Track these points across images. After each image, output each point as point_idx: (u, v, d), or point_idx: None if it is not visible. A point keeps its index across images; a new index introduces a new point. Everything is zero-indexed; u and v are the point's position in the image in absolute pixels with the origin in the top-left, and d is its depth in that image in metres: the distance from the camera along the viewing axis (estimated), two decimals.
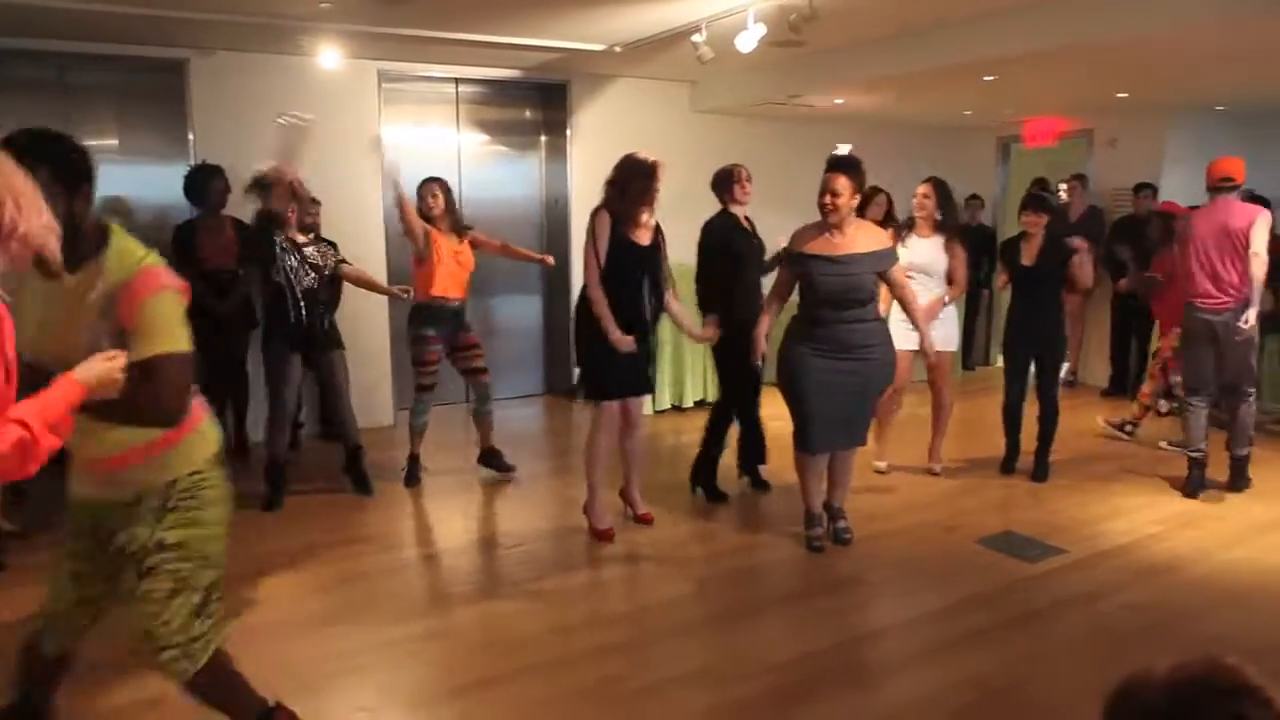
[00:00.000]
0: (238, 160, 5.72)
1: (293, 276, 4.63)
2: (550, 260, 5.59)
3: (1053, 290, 5.09)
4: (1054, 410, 5.18)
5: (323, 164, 6.13)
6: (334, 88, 6.18)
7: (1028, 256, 5.06)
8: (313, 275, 4.70)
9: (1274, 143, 7.78)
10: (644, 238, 4.18)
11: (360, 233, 6.32)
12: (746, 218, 4.82)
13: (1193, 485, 4.94)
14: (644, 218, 4.14)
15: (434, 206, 5.02)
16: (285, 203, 4.49)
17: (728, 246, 4.67)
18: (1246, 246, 4.66)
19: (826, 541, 4.22)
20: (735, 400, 4.83)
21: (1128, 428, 6.13)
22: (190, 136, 5.82)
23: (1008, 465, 5.32)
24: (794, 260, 4.05)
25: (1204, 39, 4.70)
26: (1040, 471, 5.21)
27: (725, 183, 4.78)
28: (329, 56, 5.66)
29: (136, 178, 5.88)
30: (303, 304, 4.66)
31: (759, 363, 4.24)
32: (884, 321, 4.18)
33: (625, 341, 4.08)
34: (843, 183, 3.89)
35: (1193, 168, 7.54)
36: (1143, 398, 6.12)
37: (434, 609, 3.66)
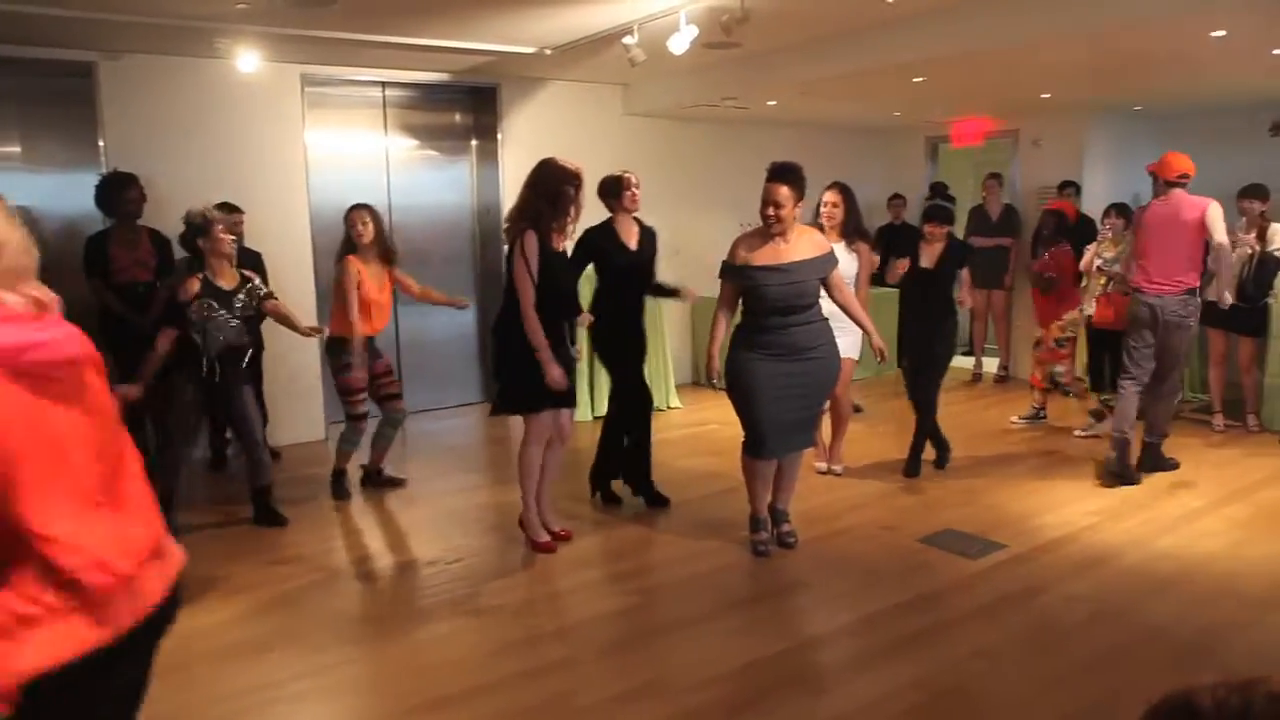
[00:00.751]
0: (154, 168, 5.51)
1: (212, 337, 4.32)
2: (466, 303, 5.55)
3: (946, 295, 5.26)
4: (930, 409, 5.31)
5: (245, 171, 5.94)
6: (255, 92, 5.97)
7: (928, 259, 5.18)
8: (236, 325, 4.38)
9: (1185, 142, 8.02)
10: (563, 246, 4.12)
11: (285, 241, 6.12)
12: (645, 227, 4.71)
13: (1114, 467, 5.03)
14: (570, 227, 4.08)
15: (363, 234, 4.84)
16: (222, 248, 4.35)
17: (597, 259, 4.62)
18: (1198, 236, 4.89)
19: (771, 545, 4.20)
20: (616, 416, 4.81)
21: (1041, 414, 6.44)
22: (101, 143, 5.55)
23: (912, 467, 5.33)
24: (737, 273, 3.99)
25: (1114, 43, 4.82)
26: (911, 468, 5.28)
27: (614, 189, 4.61)
28: (247, 60, 5.47)
29: (43, 187, 5.60)
30: (218, 364, 4.36)
31: (714, 381, 4.11)
32: (828, 321, 4.18)
33: (560, 379, 4.01)
34: (784, 193, 3.85)
35: (1111, 166, 7.83)
36: (1035, 383, 6.42)
37: (370, 631, 3.53)
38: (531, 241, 3.95)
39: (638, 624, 3.54)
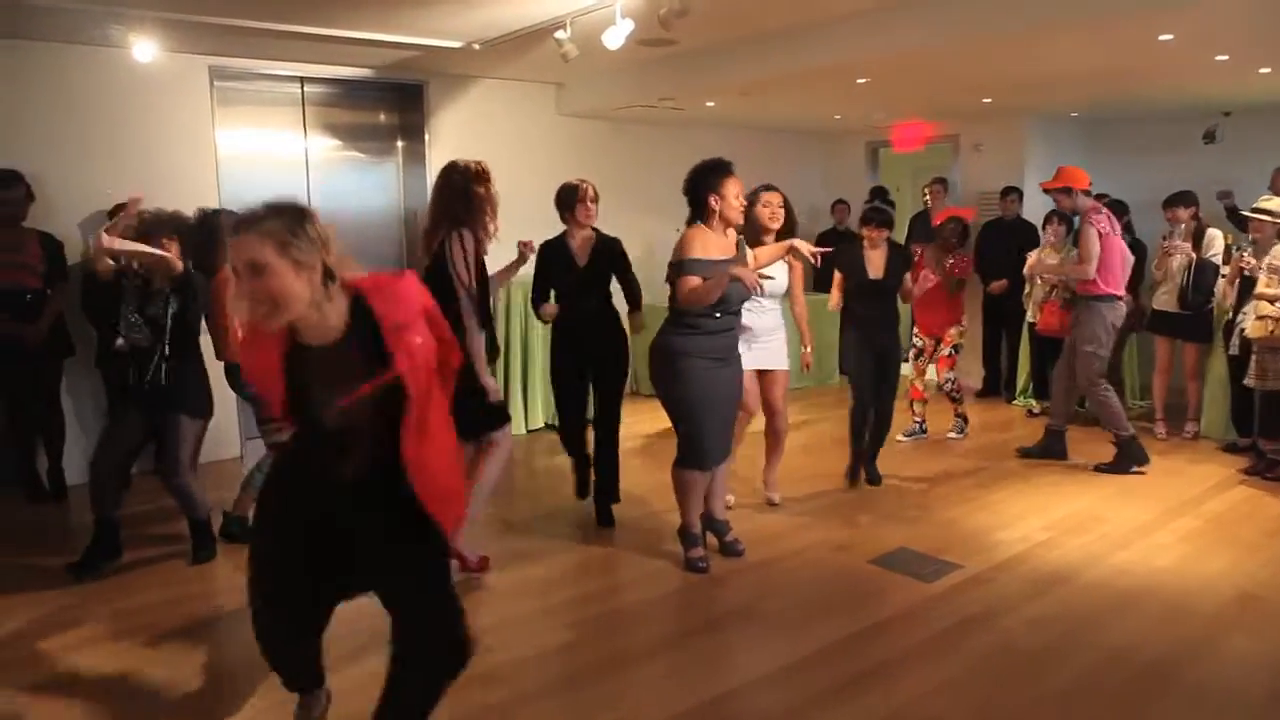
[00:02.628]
0: (45, 166, 5.05)
1: (131, 334, 3.90)
2: None
3: (895, 301, 5.17)
4: (890, 418, 5.23)
5: (148, 170, 5.51)
6: (158, 85, 5.53)
7: (875, 269, 5.01)
8: (146, 332, 3.92)
9: (1115, 147, 8.09)
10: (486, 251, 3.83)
11: None
12: (604, 239, 4.50)
13: (1128, 458, 5.33)
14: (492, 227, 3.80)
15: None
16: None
17: (547, 274, 4.49)
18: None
19: (709, 560, 3.97)
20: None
21: (924, 428, 6.23)
22: None
23: (854, 473, 5.22)
24: (705, 266, 3.66)
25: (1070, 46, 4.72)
26: (873, 475, 5.22)
27: (567, 200, 4.43)
28: (144, 49, 5.01)
29: None
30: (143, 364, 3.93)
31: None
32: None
33: (496, 391, 3.82)
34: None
35: (1048, 172, 7.78)
36: (916, 395, 6.19)
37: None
38: (468, 240, 3.63)
39: (568, 666, 3.22)
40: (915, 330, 6.18)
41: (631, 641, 3.42)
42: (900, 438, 6.12)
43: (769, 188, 4.70)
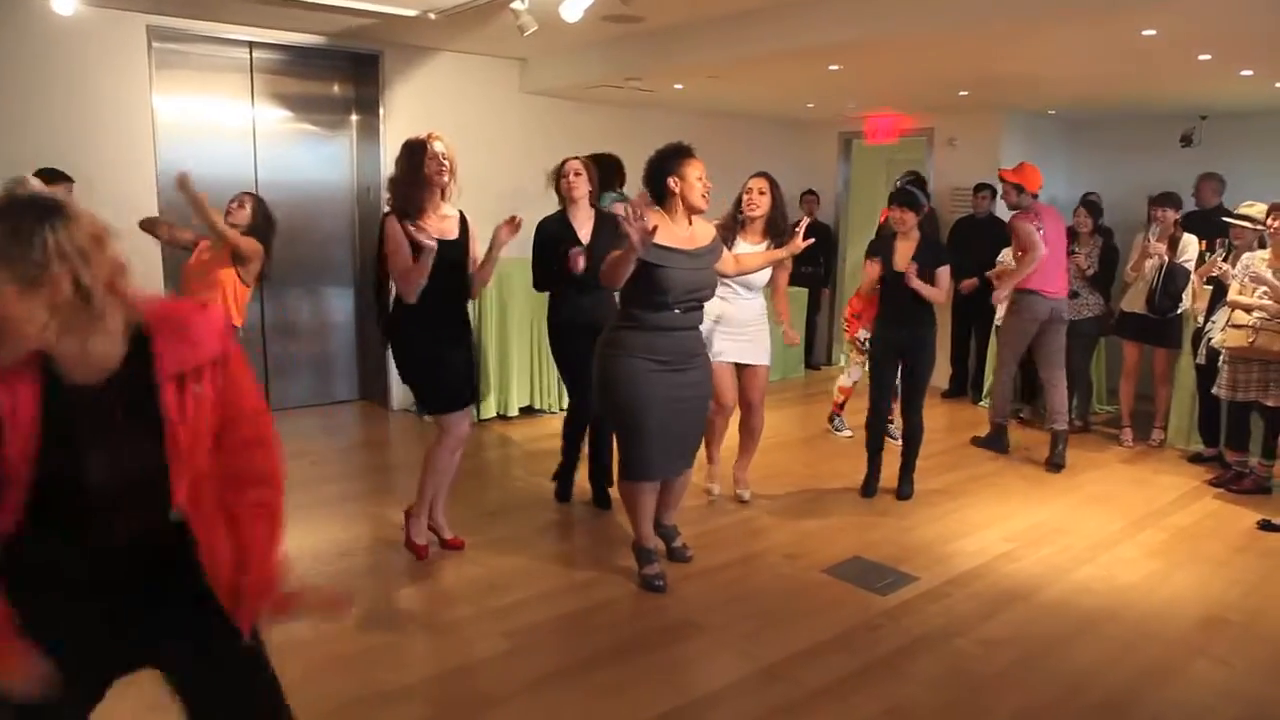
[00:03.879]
0: None
1: None
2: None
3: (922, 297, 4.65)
4: (921, 425, 4.85)
5: (75, 135, 5.18)
6: (88, 43, 5.20)
7: (901, 261, 4.60)
8: None
9: (1095, 145, 7.96)
10: (449, 231, 3.59)
11: (129, 218, 5.36)
12: (604, 214, 4.34)
13: (994, 441, 5.82)
14: (442, 207, 3.60)
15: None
16: None
17: (550, 251, 4.28)
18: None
19: (663, 575, 3.73)
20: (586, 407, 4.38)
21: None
22: None
23: (869, 488, 4.89)
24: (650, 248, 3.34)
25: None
26: (907, 488, 4.87)
27: (554, 180, 4.38)
28: (62, 1, 4.67)
29: None
30: None
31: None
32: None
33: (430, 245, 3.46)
34: None
35: None
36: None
37: None
38: (392, 224, 3.53)
39: (508, 677, 3.01)
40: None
41: (570, 654, 3.21)
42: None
43: (758, 175, 4.52)
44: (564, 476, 4.69)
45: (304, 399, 6.56)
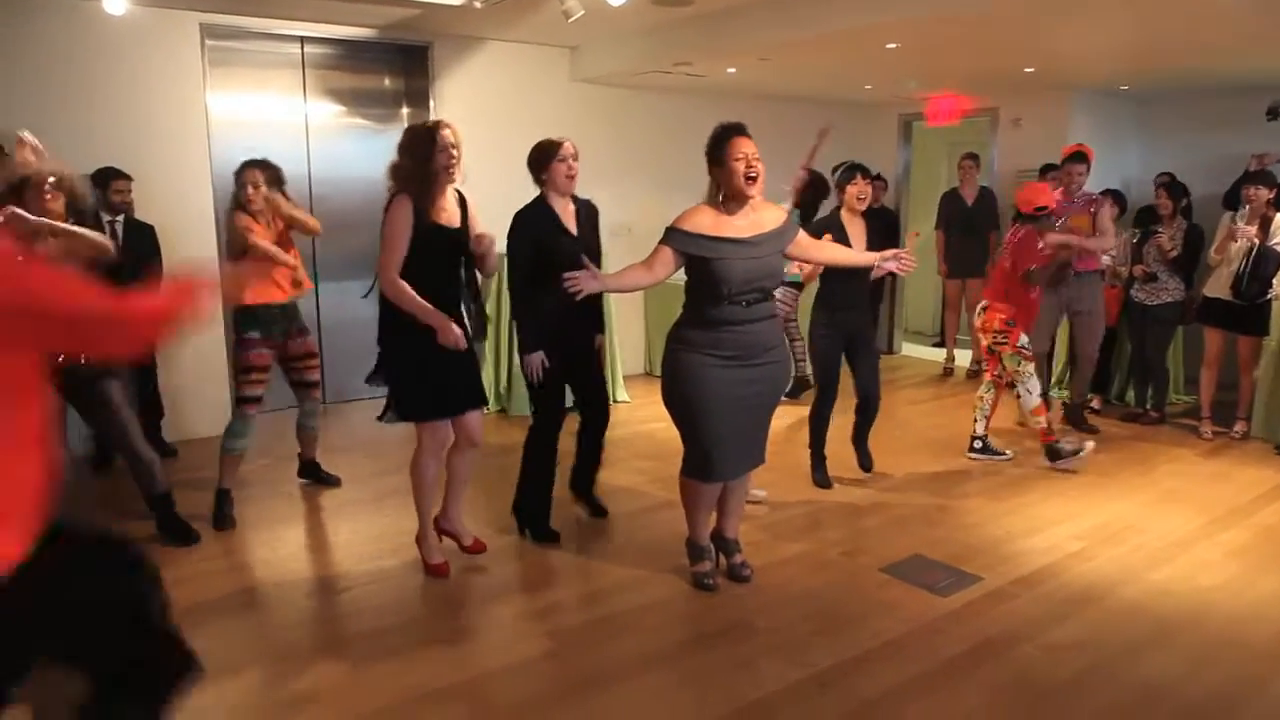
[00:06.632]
0: (14, 128, 4.80)
1: None
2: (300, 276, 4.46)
3: (866, 279, 4.58)
4: (877, 399, 4.84)
5: (132, 134, 5.25)
6: (142, 43, 5.26)
7: (856, 240, 4.53)
8: None
9: (1170, 124, 7.57)
10: (452, 219, 3.50)
11: (185, 214, 5.45)
12: (581, 201, 3.94)
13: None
14: (447, 195, 3.47)
15: (254, 199, 4.21)
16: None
17: (537, 246, 3.78)
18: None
19: (718, 577, 3.63)
20: (547, 425, 4.07)
21: None
22: None
23: (820, 476, 4.83)
24: (688, 240, 3.23)
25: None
26: (865, 461, 4.97)
27: (543, 160, 3.80)
28: (116, 2, 4.70)
29: None
30: None
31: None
32: (778, 318, 3.59)
33: (458, 339, 3.41)
34: (755, 146, 3.24)
35: (1096, 150, 7.28)
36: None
37: (232, 686, 2.92)
38: (401, 205, 3.38)
39: (545, 681, 2.95)
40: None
41: (614, 656, 3.12)
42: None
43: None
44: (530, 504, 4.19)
45: (361, 391, 6.57)
